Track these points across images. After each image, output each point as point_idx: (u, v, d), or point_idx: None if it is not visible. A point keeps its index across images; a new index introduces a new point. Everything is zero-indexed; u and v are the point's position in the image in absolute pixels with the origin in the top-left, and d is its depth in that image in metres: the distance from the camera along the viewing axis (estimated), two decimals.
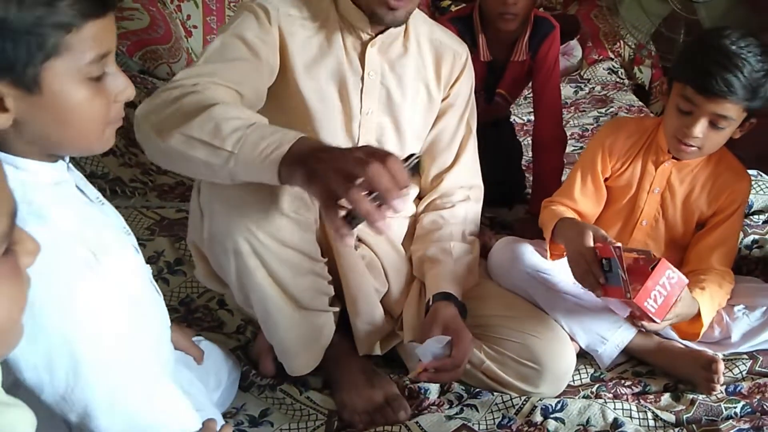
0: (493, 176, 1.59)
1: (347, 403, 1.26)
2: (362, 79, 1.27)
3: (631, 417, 1.24)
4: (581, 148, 2.31)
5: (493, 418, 1.24)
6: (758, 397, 1.27)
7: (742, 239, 1.62)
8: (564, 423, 1.21)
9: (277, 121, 1.20)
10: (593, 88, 3.05)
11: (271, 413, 1.29)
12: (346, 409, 1.26)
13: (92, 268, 0.76)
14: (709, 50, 1.25)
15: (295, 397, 1.29)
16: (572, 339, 1.36)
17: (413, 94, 1.33)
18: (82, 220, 0.80)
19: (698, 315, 1.28)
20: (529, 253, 1.43)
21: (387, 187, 0.82)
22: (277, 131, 0.92)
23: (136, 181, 1.96)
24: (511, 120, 2.21)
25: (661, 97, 1.41)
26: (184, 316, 1.52)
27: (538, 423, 1.21)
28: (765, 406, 1.25)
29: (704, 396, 1.29)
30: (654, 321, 1.21)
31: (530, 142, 2.02)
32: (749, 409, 1.25)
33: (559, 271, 1.41)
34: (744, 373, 1.35)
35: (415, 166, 0.92)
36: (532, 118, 2.36)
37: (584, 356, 1.40)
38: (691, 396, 1.29)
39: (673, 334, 1.38)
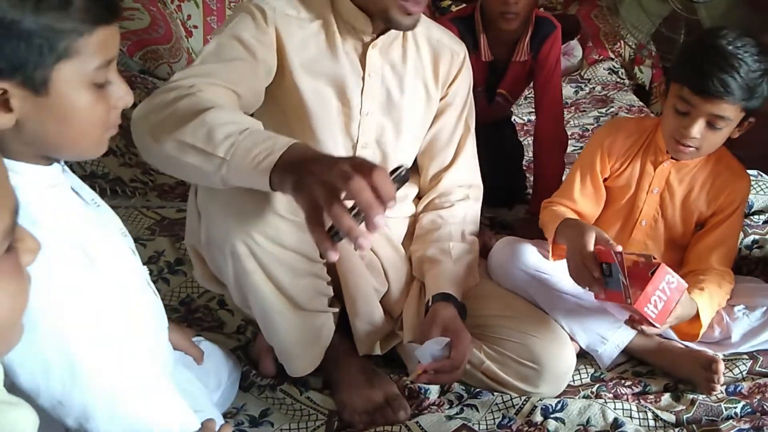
0: (493, 176, 1.59)
1: (347, 403, 1.26)
2: (363, 79, 1.27)
3: (631, 417, 1.24)
4: (581, 148, 2.31)
5: (493, 418, 1.24)
6: (758, 397, 1.27)
7: (743, 239, 1.62)
8: (564, 423, 1.21)
9: (276, 121, 1.21)
10: (594, 88, 3.06)
11: (271, 413, 1.29)
12: (346, 409, 1.26)
13: (87, 271, 0.76)
14: (705, 51, 1.25)
15: (295, 398, 1.29)
16: (572, 339, 1.36)
17: (412, 94, 1.33)
18: (78, 222, 0.80)
19: (697, 316, 1.28)
20: (529, 253, 1.43)
21: (368, 203, 0.80)
22: (269, 137, 0.91)
23: (137, 181, 1.96)
24: (512, 120, 2.21)
25: (660, 98, 1.40)
26: (185, 316, 1.52)
27: (538, 423, 1.21)
28: (765, 407, 1.25)
29: (704, 396, 1.29)
30: (654, 326, 1.21)
31: (531, 142, 2.02)
32: (749, 409, 1.25)
33: (559, 272, 1.41)
34: (744, 373, 1.35)
35: (403, 177, 0.90)
36: (532, 118, 2.37)
37: (584, 356, 1.40)
38: (691, 396, 1.29)
39: (673, 335, 1.38)
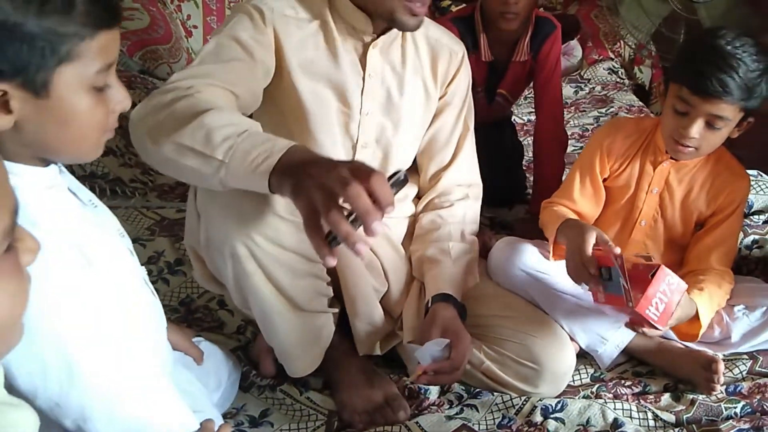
0: (493, 176, 1.59)
1: (347, 403, 1.26)
2: (363, 80, 1.27)
3: (631, 417, 1.24)
4: (581, 148, 2.31)
5: (493, 418, 1.24)
6: (758, 397, 1.27)
7: (742, 239, 1.62)
8: (564, 423, 1.21)
9: (274, 122, 1.21)
10: (593, 88, 3.06)
11: (271, 414, 1.29)
12: (345, 409, 1.26)
13: (85, 272, 0.76)
14: (704, 51, 1.25)
15: (295, 398, 1.29)
16: (572, 339, 1.36)
17: (412, 94, 1.33)
18: (75, 223, 0.80)
19: (697, 316, 1.28)
20: (529, 253, 1.43)
21: (365, 209, 0.79)
22: (267, 140, 0.90)
23: (136, 181, 1.96)
24: (512, 120, 2.21)
25: (659, 98, 1.40)
26: (184, 316, 1.52)
27: (538, 423, 1.21)
28: (765, 407, 1.25)
29: (704, 396, 1.29)
30: (657, 328, 1.21)
31: (531, 142, 2.02)
32: (749, 409, 1.25)
33: (559, 272, 1.41)
34: (744, 373, 1.35)
35: (402, 182, 0.90)
36: (532, 118, 2.37)
37: (584, 356, 1.40)
38: (691, 396, 1.29)
39: (673, 335, 1.38)
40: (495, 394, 1.29)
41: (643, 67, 3.19)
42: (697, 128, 1.27)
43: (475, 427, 1.21)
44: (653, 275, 1.18)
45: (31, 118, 0.73)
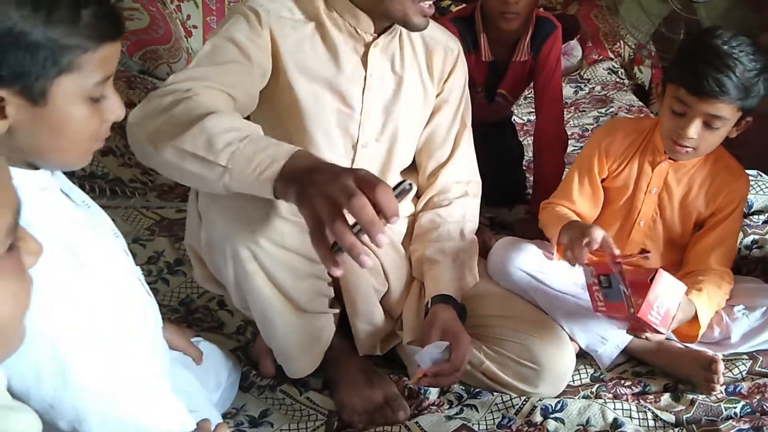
0: (494, 176, 1.59)
1: (347, 404, 1.26)
2: (365, 79, 1.26)
3: (630, 417, 1.24)
4: (581, 148, 2.31)
5: (493, 419, 1.24)
6: (758, 397, 1.27)
7: (742, 239, 1.62)
8: (564, 423, 1.21)
9: (271, 124, 1.21)
10: (593, 88, 3.06)
11: (271, 414, 1.29)
12: (345, 409, 1.26)
13: (78, 273, 0.76)
14: (700, 51, 1.26)
15: (295, 398, 1.29)
16: (572, 339, 1.36)
17: (411, 92, 1.33)
18: (68, 224, 0.80)
19: (696, 317, 1.28)
20: (528, 253, 1.43)
21: (370, 221, 0.80)
22: (270, 145, 0.90)
23: (136, 181, 1.96)
24: (512, 120, 2.21)
25: (657, 99, 1.41)
26: (184, 316, 1.52)
27: (538, 423, 1.21)
28: (765, 407, 1.25)
29: (704, 396, 1.29)
30: (659, 332, 1.21)
31: (531, 142, 2.02)
32: (749, 410, 1.25)
33: (559, 272, 1.41)
34: (744, 373, 1.35)
35: (407, 191, 0.90)
36: (532, 118, 2.37)
37: (584, 356, 1.40)
38: (690, 396, 1.29)
39: (673, 335, 1.38)
40: (495, 394, 1.29)
41: (643, 67, 3.19)
42: (695, 128, 1.27)
43: (475, 427, 1.21)
44: (652, 279, 1.18)
45: (25, 124, 0.73)
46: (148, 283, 1.54)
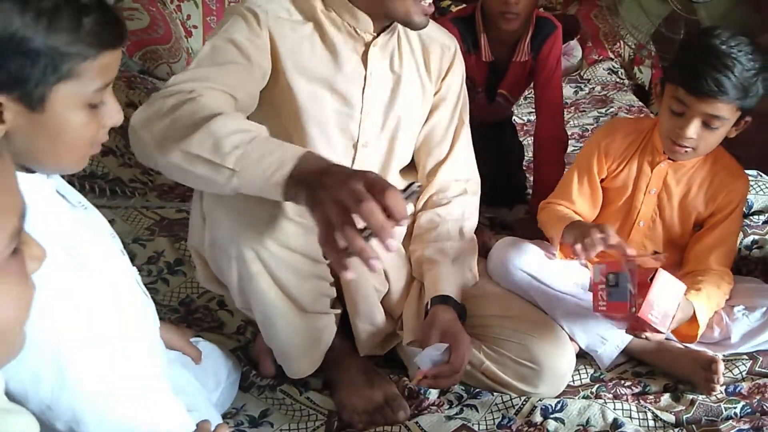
0: (494, 177, 1.59)
1: (347, 404, 1.26)
2: (365, 79, 1.26)
3: (630, 417, 1.24)
4: (581, 148, 2.31)
5: (493, 419, 1.24)
6: (758, 397, 1.27)
7: (742, 240, 1.62)
8: (564, 423, 1.21)
9: (271, 124, 1.20)
10: (593, 88, 3.06)
11: (271, 414, 1.29)
12: (345, 409, 1.26)
13: (77, 273, 0.76)
14: (699, 51, 1.26)
15: (295, 398, 1.29)
16: (572, 339, 1.36)
17: (410, 91, 1.33)
18: (67, 225, 0.80)
19: (694, 317, 1.28)
20: (528, 253, 1.43)
21: (380, 225, 0.81)
22: (278, 147, 0.91)
23: (136, 181, 1.96)
24: (512, 120, 2.21)
25: (656, 99, 1.41)
26: (184, 316, 1.52)
27: (538, 423, 1.21)
28: (765, 407, 1.25)
29: (704, 396, 1.29)
30: (660, 331, 1.21)
31: (531, 142, 2.02)
32: (749, 410, 1.25)
33: (559, 272, 1.41)
34: (744, 373, 1.35)
35: (416, 194, 0.92)
36: (532, 118, 2.37)
37: (584, 356, 1.40)
38: (690, 396, 1.29)
39: (673, 335, 1.38)
40: (495, 394, 1.29)
41: (643, 67, 3.19)
42: (693, 128, 1.27)
43: (475, 427, 1.21)
44: (652, 279, 1.18)
45: (22, 129, 0.73)
46: (148, 283, 1.56)
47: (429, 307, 1.27)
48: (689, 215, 1.44)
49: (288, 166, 0.88)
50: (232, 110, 1.07)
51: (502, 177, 1.94)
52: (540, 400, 1.26)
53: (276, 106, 1.23)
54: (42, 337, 0.71)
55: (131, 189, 1.93)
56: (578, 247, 1.27)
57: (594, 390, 1.33)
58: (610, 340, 1.38)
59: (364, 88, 1.27)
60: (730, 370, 1.35)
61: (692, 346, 1.37)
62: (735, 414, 1.24)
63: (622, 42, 3.15)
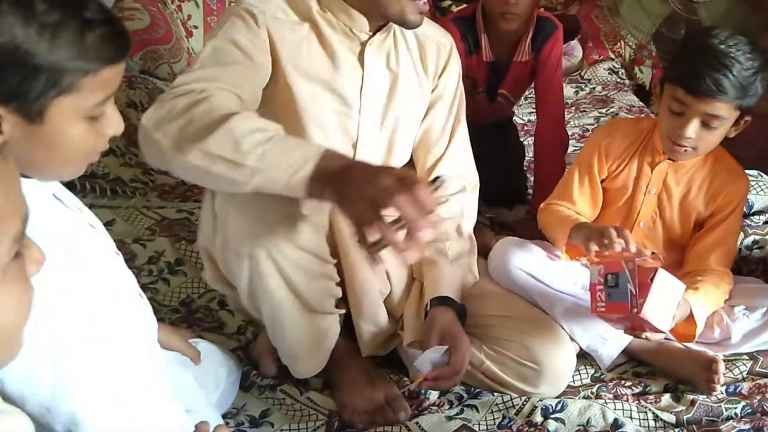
0: (495, 177, 1.59)
1: (348, 403, 1.26)
2: (362, 78, 1.27)
3: (631, 417, 1.24)
4: (582, 148, 2.31)
5: (494, 419, 1.24)
6: (758, 397, 1.27)
7: (743, 240, 1.61)
8: (564, 423, 1.21)
9: None
10: (594, 88, 3.06)
11: (271, 414, 1.29)
12: (346, 409, 1.26)
13: (77, 273, 0.76)
14: (697, 51, 1.26)
15: (295, 398, 1.29)
16: (572, 339, 1.36)
17: (407, 89, 1.33)
18: (65, 226, 0.79)
19: (692, 316, 1.28)
20: (529, 253, 1.43)
21: (414, 218, 0.84)
22: (298, 145, 0.93)
23: (137, 181, 1.96)
24: (513, 120, 2.21)
25: (656, 100, 1.41)
26: (185, 316, 1.52)
27: (539, 423, 1.21)
28: (765, 407, 1.25)
29: (704, 396, 1.28)
30: (661, 331, 1.21)
31: (531, 142, 2.02)
32: (749, 410, 1.25)
33: (559, 272, 1.41)
34: (744, 373, 1.35)
35: (442, 187, 0.95)
36: (533, 118, 2.37)
37: (584, 357, 1.40)
38: (691, 396, 1.29)
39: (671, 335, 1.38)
40: (495, 394, 1.29)
41: (644, 67, 3.19)
42: (693, 128, 1.27)
43: (475, 428, 1.21)
44: (652, 278, 1.18)
45: (20, 140, 0.72)
46: (149, 283, 1.56)
47: (428, 308, 1.27)
48: (689, 215, 1.44)
49: (310, 164, 0.90)
50: (242, 110, 1.07)
51: (503, 177, 1.94)
52: (540, 400, 1.26)
53: (275, 106, 1.23)
54: (41, 338, 0.71)
55: (132, 189, 1.93)
56: (593, 246, 1.26)
57: (594, 390, 1.33)
58: (611, 340, 1.38)
59: (361, 88, 1.27)
60: (731, 371, 1.35)
61: (693, 346, 1.37)
62: (735, 414, 1.24)
63: (622, 42, 3.15)
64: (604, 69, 3.17)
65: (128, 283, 0.91)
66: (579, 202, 1.47)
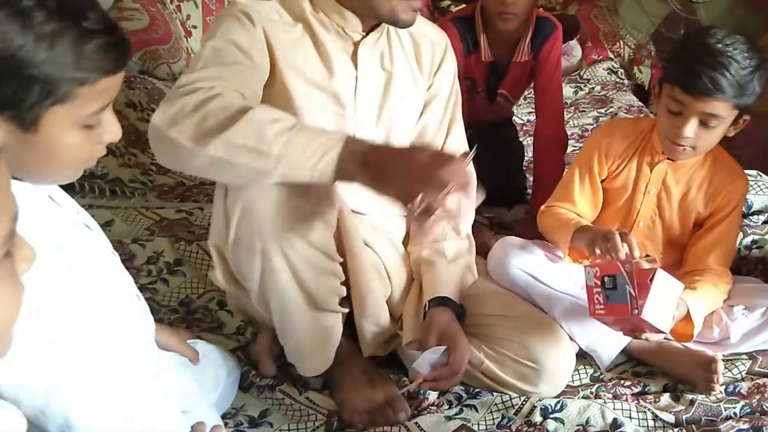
0: (494, 177, 1.59)
1: (347, 403, 1.26)
2: (356, 79, 1.26)
3: (630, 417, 1.23)
4: (581, 148, 2.31)
5: (493, 419, 1.24)
6: (758, 397, 1.27)
7: (742, 239, 1.61)
8: (563, 423, 1.21)
9: None
10: (593, 88, 3.06)
11: (270, 414, 1.29)
12: (346, 408, 1.26)
13: (74, 273, 0.75)
14: (694, 50, 1.26)
15: (294, 398, 1.29)
16: (571, 339, 1.36)
17: (402, 88, 1.33)
18: (60, 226, 0.79)
19: (689, 315, 1.28)
20: (528, 253, 1.43)
21: (464, 181, 0.92)
22: (320, 133, 0.96)
23: (136, 181, 1.96)
24: (512, 120, 2.21)
25: (654, 100, 1.41)
26: (184, 317, 1.52)
27: (538, 423, 1.21)
28: (764, 407, 1.25)
29: (704, 396, 1.28)
30: (661, 331, 1.21)
31: (530, 142, 2.02)
32: (748, 410, 1.25)
33: (559, 272, 1.41)
34: (743, 373, 1.35)
35: (473, 156, 1.03)
36: (532, 118, 2.37)
37: (584, 356, 1.40)
38: (690, 396, 1.29)
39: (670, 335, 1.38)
40: (494, 394, 1.29)
41: (643, 67, 3.19)
42: (691, 127, 1.27)
43: (475, 428, 1.21)
44: (651, 279, 1.18)
45: (13, 147, 0.71)
46: (148, 284, 1.56)
47: (427, 308, 1.27)
48: (689, 215, 1.44)
49: (337, 148, 0.92)
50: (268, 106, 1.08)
51: (502, 177, 1.94)
52: (539, 400, 1.25)
53: (273, 105, 1.23)
54: (37, 338, 0.71)
55: (131, 189, 1.93)
56: (598, 252, 1.26)
57: (593, 390, 1.33)
58: (610, 340, 1.38)
59: (356, 88, 1.27)
60: (730, 370, 1.35)
61: (692, 345, 1.37)
62: (734, 414, 1.24)
63: (621, 42, 3.15)
64: (603, 69, 3.17)
65: (125, 283, 0.90)
66: (580, 203, 1.47)
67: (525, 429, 1.21)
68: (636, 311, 1.18)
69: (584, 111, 2.81)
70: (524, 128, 2.55)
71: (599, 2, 3.21)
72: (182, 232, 1.70)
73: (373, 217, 1.33)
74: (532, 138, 1.99)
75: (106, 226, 1.65)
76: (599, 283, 1.23)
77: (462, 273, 1.36)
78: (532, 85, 1.89)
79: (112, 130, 0.79)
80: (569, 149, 2.06)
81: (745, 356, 1.38)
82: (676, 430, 1.22)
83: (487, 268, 1.46)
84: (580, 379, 1.37)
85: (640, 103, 2.87)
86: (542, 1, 3.28)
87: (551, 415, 1.23)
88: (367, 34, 1.26)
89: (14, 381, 0.71)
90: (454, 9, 3.02)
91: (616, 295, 1.20)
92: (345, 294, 1.24)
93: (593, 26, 3.25)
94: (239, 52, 1.14)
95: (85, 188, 1.82)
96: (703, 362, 1.31)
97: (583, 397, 1.30)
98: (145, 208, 1.81)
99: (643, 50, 2.74)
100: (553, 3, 3.38)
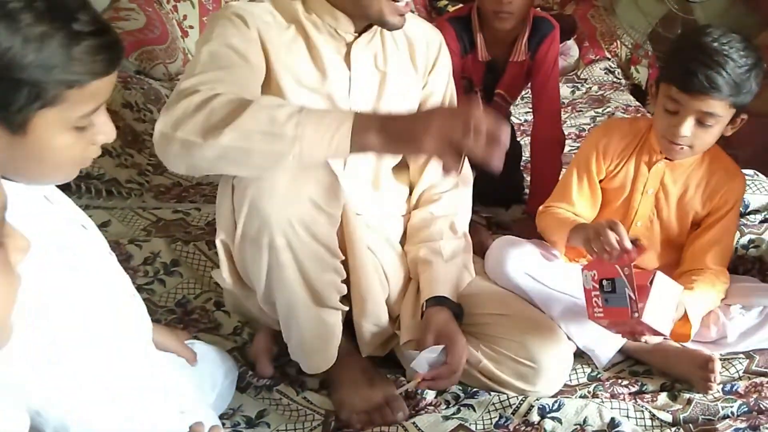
0: (491, 176, 1.58)
1: (346, 403, 1.26)
2: (350, 80, 1.26)
3: (628, 416, 1.24)
4: (578, 148, 2.31)
5: (490, 418, 1.24)
6: (755, 396, 1.28)
7: (739, 239, 1.62)
8: (561, 422, 1.21)
9: None
10: (590, 88, 3.06)
11: (268, 414, 1.29)
12: (344, 408, 1.26)
13: (74, 272, 0.75)
14: (690, 49, 1.26)
15: (291, 398, 1.29)
16: (569, 338, 1.36)
17: (397, 87, 1.33)
18: (60, 226, 0.79)
19: (686, 315, 1.28)
20: (526, 252, 1.43)
21: (498, 133, 0.93)
22: (327, 112, 1.02)
23: (132, 182, 1.95)
24: (510, 120, 2.21)
25: (651, 99, 1.41)
26: (181, 317, 1.51)
27: (535, 422, 1.21)
28: (761, 405, 1.25)
29: (701, 395, 1.29)
30: (661, 333, 1.20)
31: (528, 142, 2.02)
32: (746, 409, 1.25)
33: (557, 271, 1.41)
34: (740, 372, 1.35)
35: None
36: (530, 118, 2.37)
37: (581, 356, 1.40)
38: (688, 395, 1.29)
39: None
40: (492, 393, 1.29)
41: (640, 66, 3.20)
42: (688, 126, 1.27)
43: (472, 427, 1.21)
44: (651, 282, 1.18)
45: (3, 149, 0.71)
46: (145, 284, 1.56)
47: (425, 308, 1.27)
48: (686, 215, 1.44)
49: (348, 121, 0.95)
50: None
51: (500, 177, 1.92)
52: (537, 399, 1.25)
53: None
54: (37, 338, 0.71)
55: (127, 190, 1.92)
56: (597, 245, 1.24)
57: (591, 389, 1.33)
58: (607, 339, 1.37)
59: (350, 89, 1.27)
60: (727, 369, 1.35)
61: (689, 345, 1.37)
62: (732, 413, 1.24)
63: (618, 42, 3.15)
64: (600, 69, 3.17)
65: (123, 283, 0.90)
66: (578, 203, 1.47)
67: (522, 428, 1.21)
68: (636, 314, 1.17)
69: (581, 111, 2.81)
70: (521, 128, 2.55)
71: (596, 2, 3.21)
72: (179, 233, 1.69)
73: (371, 217, 1.33)
74: (529, 138, 1.99)
75: (102, 226, 1.65)
76: (597, 286, 1.22)
77: (459, 272, 1.36)
78: (529, 85, 1.89)
79: (105, 131, 0.78)
80: (566, 149, 2.06)
81: (742, 355, 1.38)
82: (673, 429, 1.22)
83: (485, 268, 1.46)
84: (577, 378, 1.37)
85: (638, 103, 2.87)
86: (539, 1, 3.28)
87: (549, 415, 1.23)
88: (360, 34, 1.26)
89: (14, 381, 0.70)
90: (450, 9, 3.02)
91: (615, 299, 1.20)
92: (345, 292, 1.25)
93: (590, 26, 3.25)
94: (236, 54, 1.14)
95: (82, 189, 1.82)
96: (701, 361, 1.31)
97: (580, 397, 1.30)
98: (142, 208, 1.81)
99: (640, 50, 2.75)
100: (551, 2, 3.38)
